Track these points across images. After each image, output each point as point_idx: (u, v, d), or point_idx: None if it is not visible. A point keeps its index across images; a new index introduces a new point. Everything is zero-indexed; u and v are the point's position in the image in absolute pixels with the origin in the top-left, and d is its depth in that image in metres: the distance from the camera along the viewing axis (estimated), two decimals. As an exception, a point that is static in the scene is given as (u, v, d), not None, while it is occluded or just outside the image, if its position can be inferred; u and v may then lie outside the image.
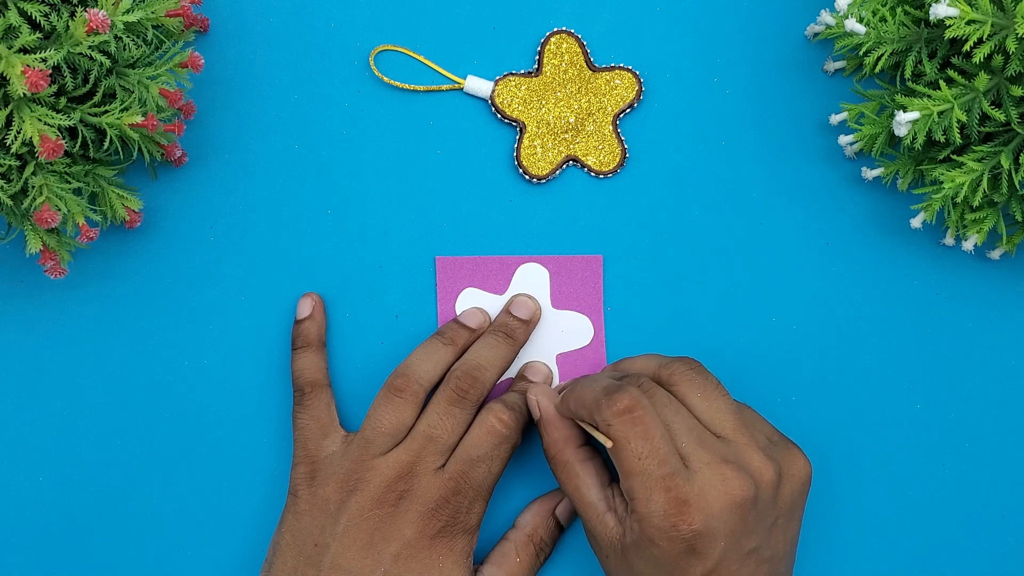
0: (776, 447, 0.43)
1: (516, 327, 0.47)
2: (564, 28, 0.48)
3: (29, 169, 0.40)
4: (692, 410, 0.42)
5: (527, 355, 0.48)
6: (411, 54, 0.48)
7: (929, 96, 0.42)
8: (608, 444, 0.40)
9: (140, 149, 0.44)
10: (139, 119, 0.41)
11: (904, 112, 0.41)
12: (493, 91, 0.48)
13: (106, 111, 0.41)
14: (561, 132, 0.48)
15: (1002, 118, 0.41)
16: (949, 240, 0.47)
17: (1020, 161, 0.42)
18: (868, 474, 0.49)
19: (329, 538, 0.43)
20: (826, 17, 0.46)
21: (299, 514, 0.44)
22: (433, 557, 0.43)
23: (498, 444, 0.44)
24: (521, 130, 0.48)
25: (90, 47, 0.39)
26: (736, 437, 0.41)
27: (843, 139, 0.47)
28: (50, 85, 0.38)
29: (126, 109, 0.41)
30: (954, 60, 0.43)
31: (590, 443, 0.45)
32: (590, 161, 0.48)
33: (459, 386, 0.44)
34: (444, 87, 0.48)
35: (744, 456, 0.41)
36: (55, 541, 0.47)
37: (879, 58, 0.44)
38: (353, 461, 0.44)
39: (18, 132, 0.38)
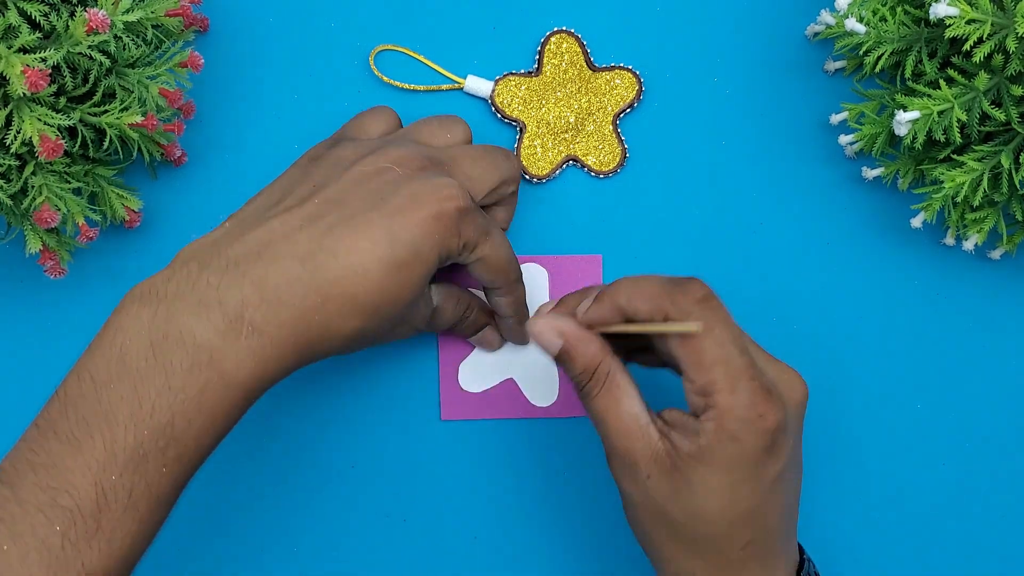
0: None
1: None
2: (564, 28, 0.48)
3: (29, 169, 0.40)
4: None
5: (526, 349, 0.48)
6: (411, 54, 0.48)
7: (929, 96, 0.42)
8: (694, 328, 0.37)
9: (140, 149, 0.44)
10: (139, 119, 0.41)
11: (904, 112, 0.41)
12: (493, 91, 0.48)
13: (106, 111, 0.41)
14: (561, 132, 0.48)
15: (1002, 117, 0.41)
16: (949, 240, 0.47)
17: (1020, 160, 0.42)
18: (868, 474, 0.48)
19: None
20: (826, 17, 0.46)
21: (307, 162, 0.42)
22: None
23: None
24: (521, 130, 0.48)
25: (90, 47, 0.39)
26: (758, 351, 0.39)
27: (843, 139, 0.47)
28: (50, 85, 0.38)
29: (126, 109, 0.41)
30: (954, 59, 0.43)
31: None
32: (590, 161, 0.48)
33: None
34: (444, 87, 0.48)
35: (780, 363, 0.39)
36: (55, 541, 0.47)
37: (879, 58, 0.44)
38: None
39: (18, 132, 0.38)
